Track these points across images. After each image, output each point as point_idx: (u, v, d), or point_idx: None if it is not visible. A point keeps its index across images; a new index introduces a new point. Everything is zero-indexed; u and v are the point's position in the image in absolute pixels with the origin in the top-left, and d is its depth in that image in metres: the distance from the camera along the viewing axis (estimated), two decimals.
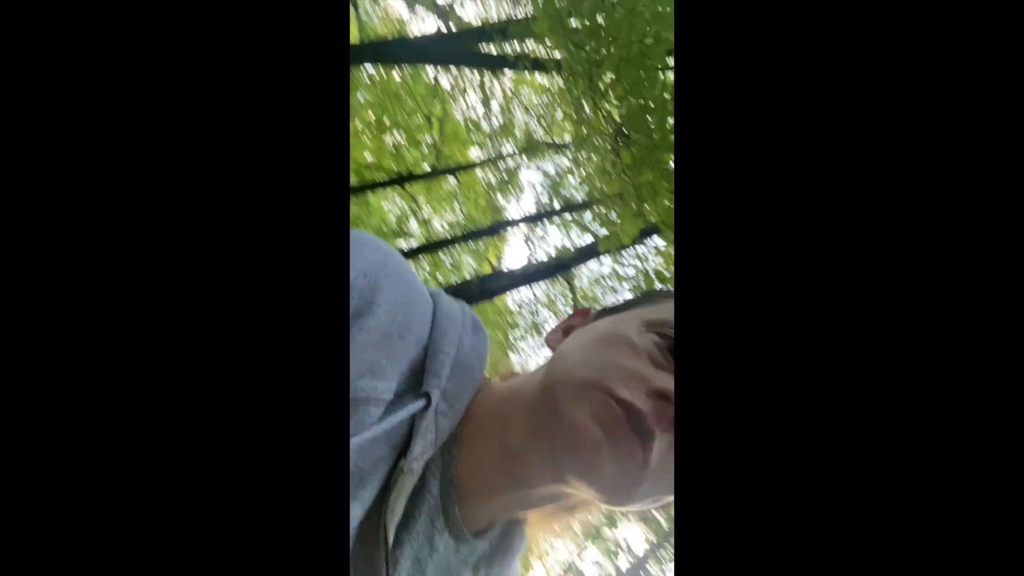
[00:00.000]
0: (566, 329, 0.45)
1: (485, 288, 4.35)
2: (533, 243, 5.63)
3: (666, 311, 0.40)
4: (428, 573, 0.38)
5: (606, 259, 4.64)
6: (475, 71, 4.94)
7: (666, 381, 0.36)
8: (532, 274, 4.77)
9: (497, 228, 5.61)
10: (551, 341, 0.45)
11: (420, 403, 0.37)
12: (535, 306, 5.63)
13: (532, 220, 5.46)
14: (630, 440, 0.35)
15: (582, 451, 0.36)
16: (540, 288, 5.36)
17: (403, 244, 5.26)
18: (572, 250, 4.63)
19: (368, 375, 0.36)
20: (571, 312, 0.49)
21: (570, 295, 5.18)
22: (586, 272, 5.12)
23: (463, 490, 0.39)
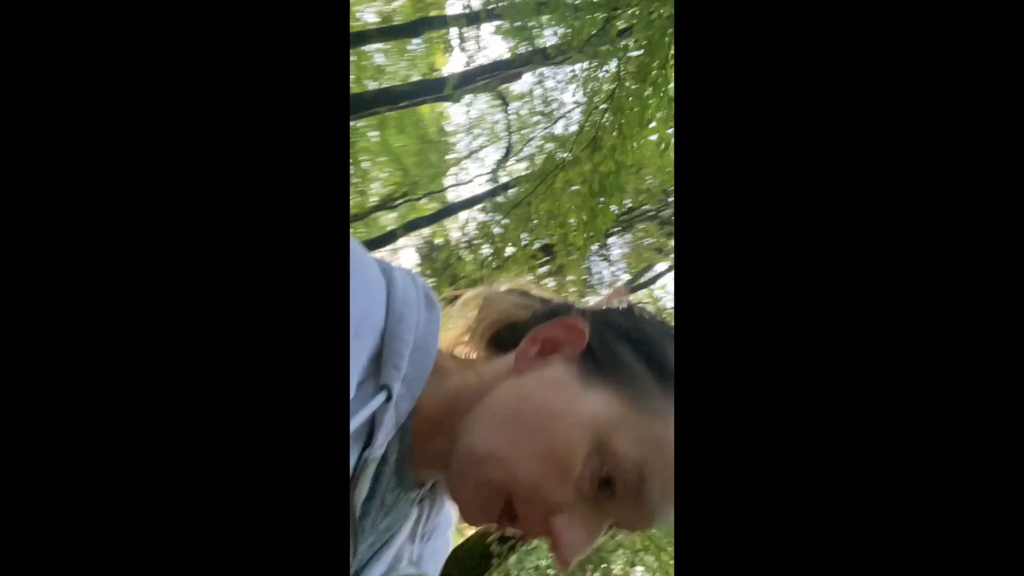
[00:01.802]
0: (545, 346, 0.41)
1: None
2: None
3: (633, 431, 0.36)
4: (381, 524, 0.42)
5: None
6: None
7: (570, 522, 0.36)
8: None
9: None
10: (524, 357, 0.40)
11: (381, 398, 0.37)
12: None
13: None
14: (504, 529, 0.39)
15: (460, 509, 0.40)
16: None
17: None
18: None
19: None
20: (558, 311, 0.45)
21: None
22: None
23: (416, 452, 0.41)
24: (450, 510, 0.50)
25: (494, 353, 0.44)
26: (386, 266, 0.42)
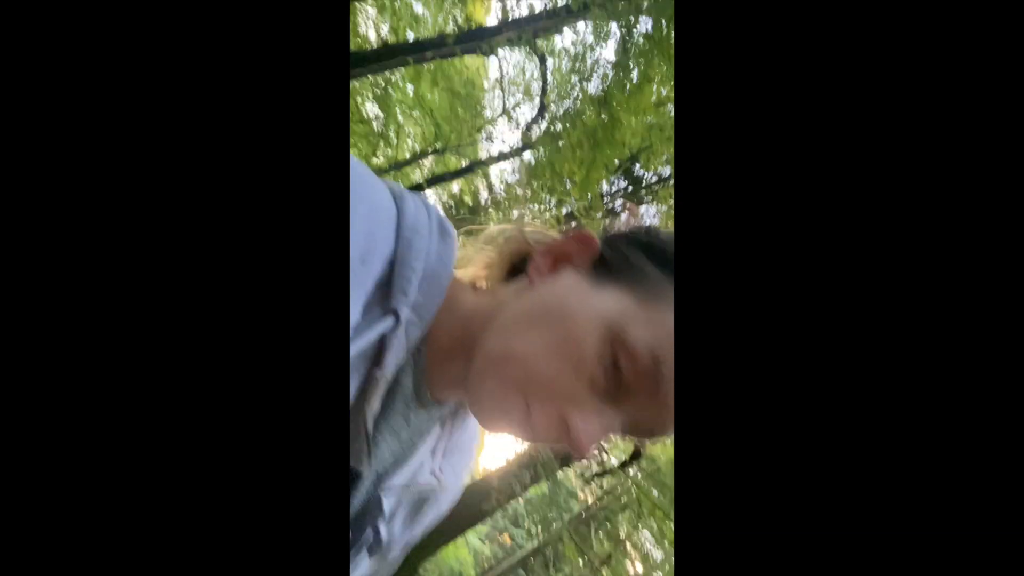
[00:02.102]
0: (557, 258, 0.42)
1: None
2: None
3: (645, 321, 0.36)
4: (403, 438, 0.44)
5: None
6: None
7: (586, 415, 0.36)
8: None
9: None
10: (537, 269, 0.42)
11: (389, 322, 0.38)
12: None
13: None
14: (525, 434, 0.39)
15: (481, 417, 0.40)
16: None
17: None
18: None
19: None
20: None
21: None
22: None
23: (431, 375, 0.42)
24: (475, 428, 0.52)
25: (511, 280, 0.45)
26: (398, 192, 0.42)
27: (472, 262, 0.49)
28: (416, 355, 0.42)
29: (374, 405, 0.40)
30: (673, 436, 0.37)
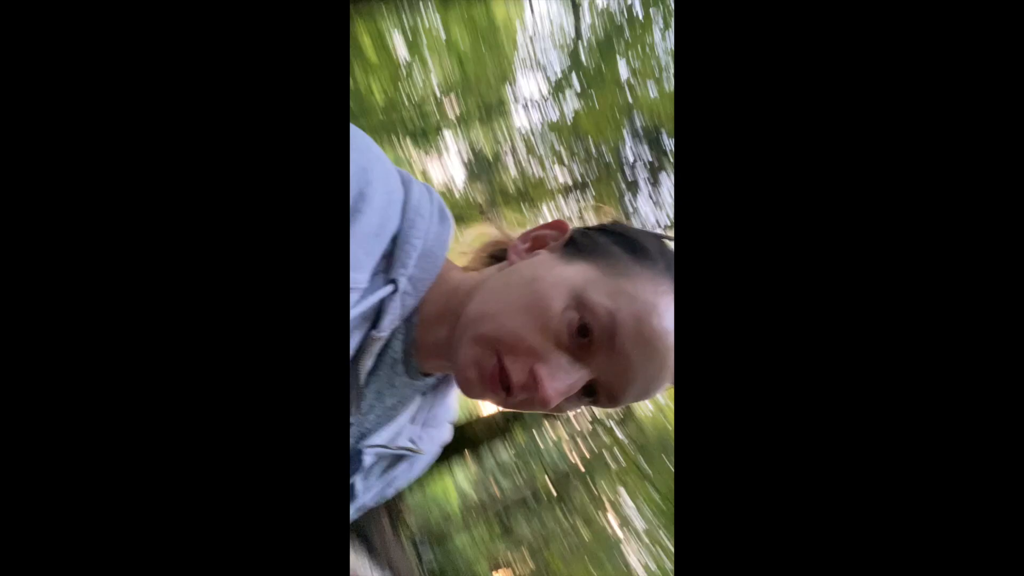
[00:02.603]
0: (536, 241, 0.49)
1: None
2: None
3: (606, 288, 0.41)
4: (387, 402, 0.50)
5: None
6: None
7: (552, 368, 0.41)
8: None
9: None
10: (515, 251, 0.48)
11: (389, 288, 0.44)
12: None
13: None
14: (497, 390, 0.43)
15: (459, 377, 0.45)
16: None
17: None
18: None
19: (352, 270, 0.42)
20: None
21: None
22: None
23: (420, 345, 0.48)
24: (453, 405, 0.58)
25: (494, 264, 0.52)
26: (407, 179, 0.48)
27: (460, 254, 0.56)
28: (408, 324, 0.47)
29: (367, 363, 0.46)
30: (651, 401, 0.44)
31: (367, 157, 0.42)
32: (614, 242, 0.46)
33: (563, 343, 0.42)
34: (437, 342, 0.47)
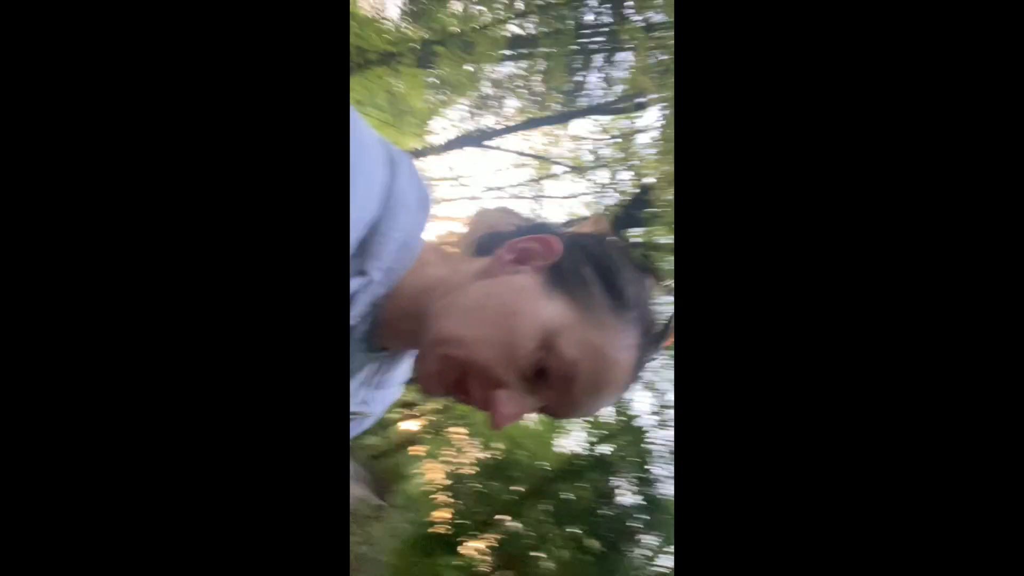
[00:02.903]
0: (521, 254, 0.47)
1: None
2: None
3: (577, 337, 0.43)
4: None
5: None
6: None
7: (508, 396, 0.43)
8: None
9: None
10: (500, 260, 0.47)
11: (361, 281, 0.44)
12: None
13: None
14: (457, 397, 0.46)
15: (420, 379, 0.47)
16: None
17: None
18: None
19: None
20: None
21: None
22: None
23: (383, 327, 0.48)
24: (407, 369, 0.57)
25: (476, 255, 0.50)
26: (396, 159, 0.46)
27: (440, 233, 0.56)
28: (375, 307, 0.47)
29: None
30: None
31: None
32: (597, 279, 0.46)
33: (525, 376, 0.44)
34: (401, 331, 0.48)
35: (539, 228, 0.50)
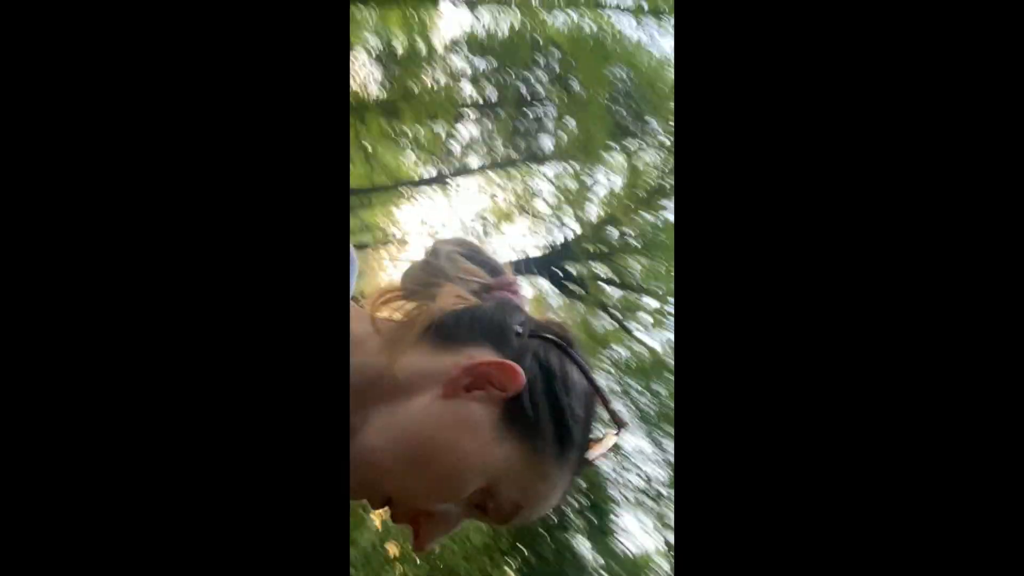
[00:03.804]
0: (477, 380, 0.41)
1: None
2: None
3: (521, 483, 0.42)
4: None
5: None
6: None
7: (436, 521, 0.42)
8: None
9: None
10: (454, 383, 0.41)
11: None
12: None
13: None
14: (374, 507, 0.43)
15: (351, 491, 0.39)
16: None
17: None
18: None
19: None
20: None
21: None
22: None
23: None
24: None
25: (426, 343, 0.43)
26: None
27: (378, 285, 0.49)
28: None
29: None
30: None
31: None
32: (551, 418, 0.42)
33: (458, 506, 0.42)
34: None
35: (498, 270, 0.49)
